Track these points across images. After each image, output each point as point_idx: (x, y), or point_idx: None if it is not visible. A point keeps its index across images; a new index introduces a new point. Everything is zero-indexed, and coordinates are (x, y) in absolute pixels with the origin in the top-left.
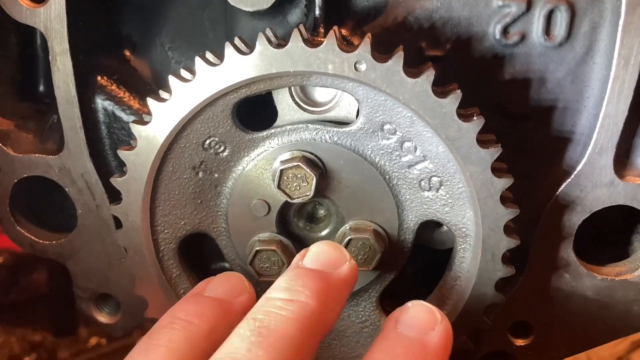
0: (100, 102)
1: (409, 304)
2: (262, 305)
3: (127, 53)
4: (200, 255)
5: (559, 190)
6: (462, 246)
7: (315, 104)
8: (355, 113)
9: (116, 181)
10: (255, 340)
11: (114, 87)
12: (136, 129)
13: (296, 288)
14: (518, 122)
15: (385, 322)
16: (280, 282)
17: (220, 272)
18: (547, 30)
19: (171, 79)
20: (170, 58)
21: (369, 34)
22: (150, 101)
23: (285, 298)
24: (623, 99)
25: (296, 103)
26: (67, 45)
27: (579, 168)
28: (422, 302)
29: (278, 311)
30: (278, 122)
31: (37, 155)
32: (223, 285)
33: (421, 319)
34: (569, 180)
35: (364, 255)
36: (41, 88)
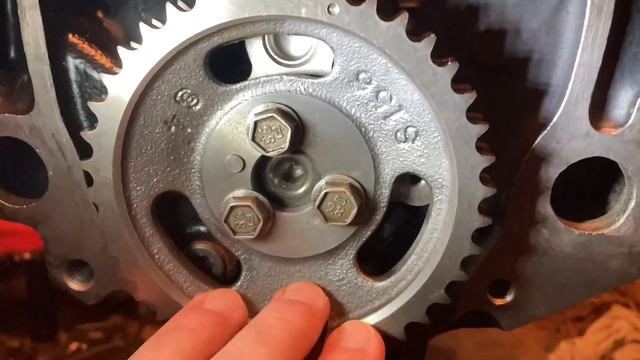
0: (72, 61)
1: (346, 324)
2: (258, 320)
3: (100, 14)
4: (175, 220)
5: (536, 143)
6: (439, 197)
7: (290, 57)
8: (330, 66)
9: (86, 134)
10: (256, 340)
11: (85, 45)
12: (106, 79)
13: (287, 309)
14: (493, 74)
15: (326, 341)
16: (272, 306)
17: (195, 237)
18: None
19: (142, 27)
20: (144, 19)
21: None
22: (121, 50)
23: (279, 316)
24: (597, 47)
25: (270, 57)
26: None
27: (554, 120)
28: (357, 321)
29: (273, 324)
30: (252, 76)
31: (6, 115)
32: (220, 300)
33: (358, 334)
34: (545, 132)
35: (340, 209)
36: (12, 54)
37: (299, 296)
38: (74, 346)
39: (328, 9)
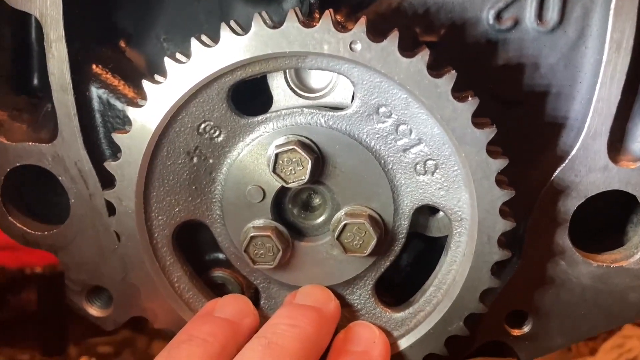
0: (95, 90)
1: (352, 324)
2: (268, 328)
3: (123, 44)
4: (194, 247)
5: (554, 176)
6: (458, 230)
7: (310, 90)
8: (350, 99)
9: (110, 165)
10: (266, 352)
11: (109, 75)
12: (131, 112)
13: (297, 316)
14: (512, 107)
15: (332, 343)
16: (282, 312)
17: (214, 264)
18: (540, 15)
19: (167, 61)
20: (165, 49)
21: (364, 16)
22: (146, 83)
23: (289, 323)
24: (616, 82)
25: (292, 89)
26: (62, 32)
27: (573, 153)
28: (362, 322)
29: (283, 332)
30: (273, 108)
31: (30, 143)
32: (231, 306)
33: (363, 335)
34: (564, 165)
35: (359, 240)
36: (35, 82)
37: (310, 300)
38: None
39: (350, 46)
